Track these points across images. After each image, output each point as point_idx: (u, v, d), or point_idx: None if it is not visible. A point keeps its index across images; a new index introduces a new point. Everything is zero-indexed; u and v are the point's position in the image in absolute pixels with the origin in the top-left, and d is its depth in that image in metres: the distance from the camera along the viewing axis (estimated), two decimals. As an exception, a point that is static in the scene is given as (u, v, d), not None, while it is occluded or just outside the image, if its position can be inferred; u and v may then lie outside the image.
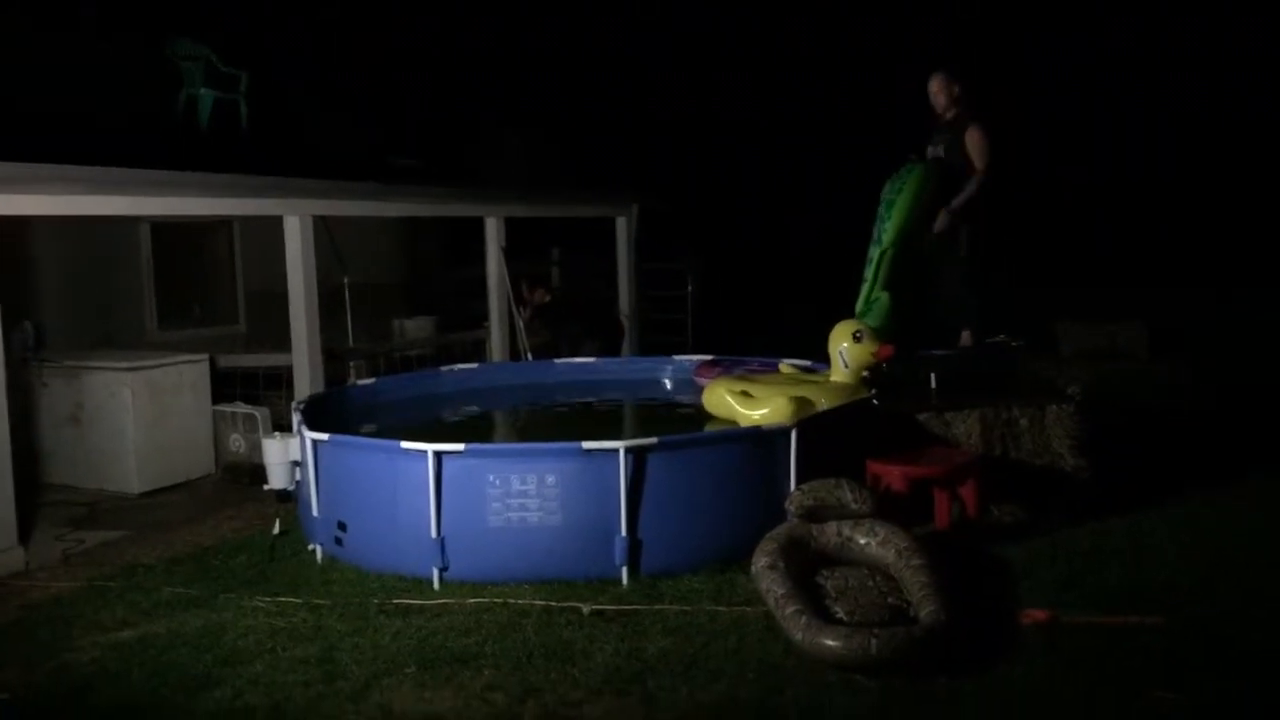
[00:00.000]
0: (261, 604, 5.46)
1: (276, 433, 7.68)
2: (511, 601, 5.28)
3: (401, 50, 14.08)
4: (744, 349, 8.94)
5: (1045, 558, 5.73)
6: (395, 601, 5.38)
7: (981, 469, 6.26)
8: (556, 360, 9.80)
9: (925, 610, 4.54)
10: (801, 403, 6.38)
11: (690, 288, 13.69)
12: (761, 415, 6.41)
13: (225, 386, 9.02)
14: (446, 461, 5.61)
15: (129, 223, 9.89)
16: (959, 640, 4.49)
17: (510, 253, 11.00)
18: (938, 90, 7.96)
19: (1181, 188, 18.45)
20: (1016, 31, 18.65)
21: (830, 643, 4.31)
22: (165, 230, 10.37)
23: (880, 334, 7.00)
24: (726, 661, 4.55)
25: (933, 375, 7.16)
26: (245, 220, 10.86)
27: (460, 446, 5.65)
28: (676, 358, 9.42)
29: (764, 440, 5.96)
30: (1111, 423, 7.40)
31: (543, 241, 13.42)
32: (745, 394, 6.70)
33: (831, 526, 5.27)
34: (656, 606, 5.17)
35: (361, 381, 8.79)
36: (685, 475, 5.72)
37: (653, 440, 5.63)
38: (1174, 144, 18.72)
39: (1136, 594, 5.17)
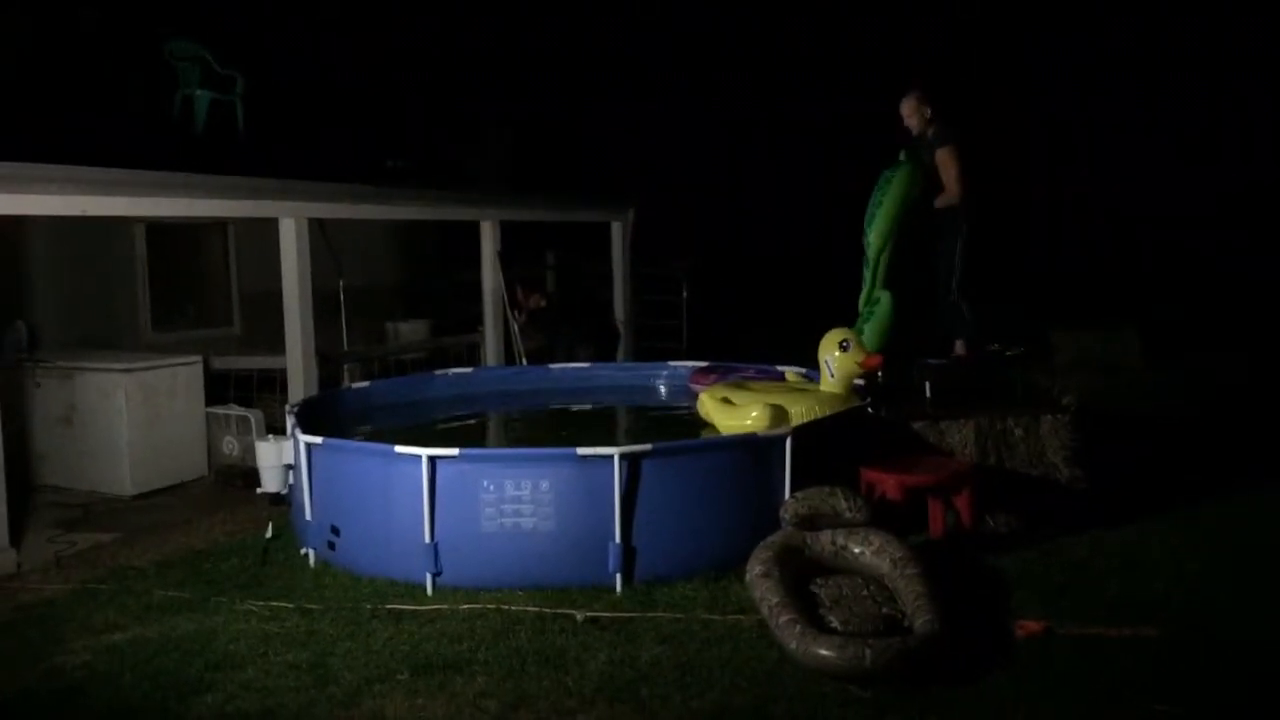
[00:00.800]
0: (254, 608, 5.44)
1: (270, 435, 7.67)
2: (505, 608, 5.27)
3: (397, 52, 14.06)
4: (740, 355, 8.94)
5: (1040, 568, 5.73)
6: (388, 607, 5.37)
7: (976, 478, 6.26)
8: (551, 365, 9.79)
9: (920, 620, 4.53)
10: (776, 412, 6.39)
11: (685, 293, 13.68)
12: (734, 425, 6.44)
13: (219, 389, 9.00)
14: (440, 466, 5.61)
15: (123, 223, 9.85)
16: (953, 651, 4.48)
17: (506, 257, 11.00)
18: (909, 114, 7.97)
19: (1179, 193, 18.42)
20: (1014, 32, 18.63)
21: (824, 652, 4.30)
22: (160, 231, 10.34)
23: (883, 334, 7.00)
24: (720, 670, 4.54)
25: (927, 384, 7.17)
26: (240, 222, 10.83)
27: (454, 451, 5.64)
28: (672, 363, 9.43)
29: (759, 448, 5.96)
30: (1106, 432, 7.39)
31: (538, 246, 13.41)
32: (726, 401, 6.71)
33: (826, 535, 5.26)
34: (650, 614, 5.16)
35: (356, 385, 8.78)
36: (680, 482, 5.72)
37: (647, 447, 5.63)
38: (1172, 147, 18.69)
39: (1131, 605, 5.17)
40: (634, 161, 16.11)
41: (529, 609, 5.24)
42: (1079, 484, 6.55)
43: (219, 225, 11.08)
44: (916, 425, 6.65)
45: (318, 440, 6.11)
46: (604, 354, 11.20)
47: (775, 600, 4.68)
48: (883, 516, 5.48)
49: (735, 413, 6.59)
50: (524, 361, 10.77)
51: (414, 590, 5.57)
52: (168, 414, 8.24)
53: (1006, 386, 7.47)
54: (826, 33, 18.95)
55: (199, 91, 9.82)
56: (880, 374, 7.13)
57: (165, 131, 9.61)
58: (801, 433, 5.99)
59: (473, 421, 8.56)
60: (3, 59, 8.84)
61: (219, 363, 9.26)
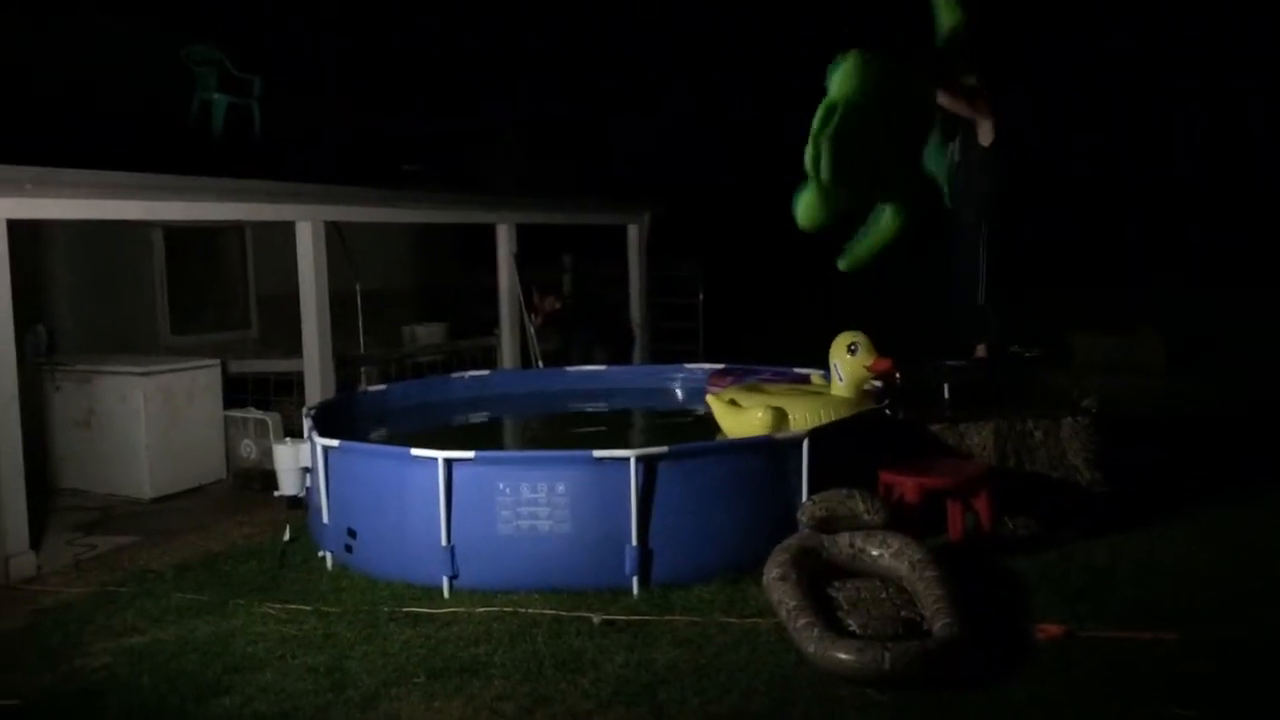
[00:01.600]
0: (271, 611, 5.45)
1: (287, 438, 7.68)
2: (521, 610, 5.26)
3: (412, 54, 14.11)
4: (756, 357, 8.91)
5: (1059, 571, 5.69)
6: (405, 610, 5.37)
7: (995, 481, 6.22)
8: (567, 368, 9.79)
9: (939, 623, 4.51)
10: (778, 415, 6.37)
11: (701, 295, 13.66)
12: (737, 428, 6.44)
13: (236, 392, 9.03)
14: (457, 469, 5.61)
15: (142, 227, 9.90)
16: (973, 654, 4.45)
17: (522, 259, 11.00)
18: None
19: (1200, 187, 18.23)
20: (1028, 26, 18.50)
21: (843, 656, 4.28)
22: (178, 235, 10.38)
23: (873, 251, 6.86)
24: (738, 673, 4.52)
25: (946, 386, 7.12)
26: (257, 225, 10.87)
27: (470, 454, 5.64)
28: (688, 366, 9.41)
29: (776, 450, 5.94)
30: (1127, 435, 7.35)
31: (554, 248, 13.42)
32: (733, 404, 6.70)
33: (844, 537, 5.24)
34: (667, 617, 5.15)
35: (372, 388, 8.80)
36: (696, 484, 5.70)
37: (663, 449, 5.62)
38: (1194, 142, 18.53)
39: (1152, 608, 5.13)
40: (650, 163, 16.08)
41: (545, 612, 5.23)
42: (1099, 487, 6.50)
43: (236, 229, 11.13)
44: (935, 427, 6.62)
45: (334, 443, 6.12)
46: (619, 356, 11.20)
47: (793, 603, 4.66)
48: (901, 519, 5.46)
49: (739, 415, 6.57)
50: (540, 364, 10.77)
51: (431, 593, 5.57)
52: (186, 417, 8.27)
53: (1026, 388, 7.43)
54: (836, 34, 18.88)
55: (216, 95, 9.88)
56: (898, 376, 7.08)
57: (183, 135, 9.67)
58: (818, 435, 5.96)
59: (489, 424, 8.57)
60: (20, 63, 8.88)
61: (236, 366, 9.29)
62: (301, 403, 8.43)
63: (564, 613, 5.21)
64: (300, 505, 7.20)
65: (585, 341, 10.94)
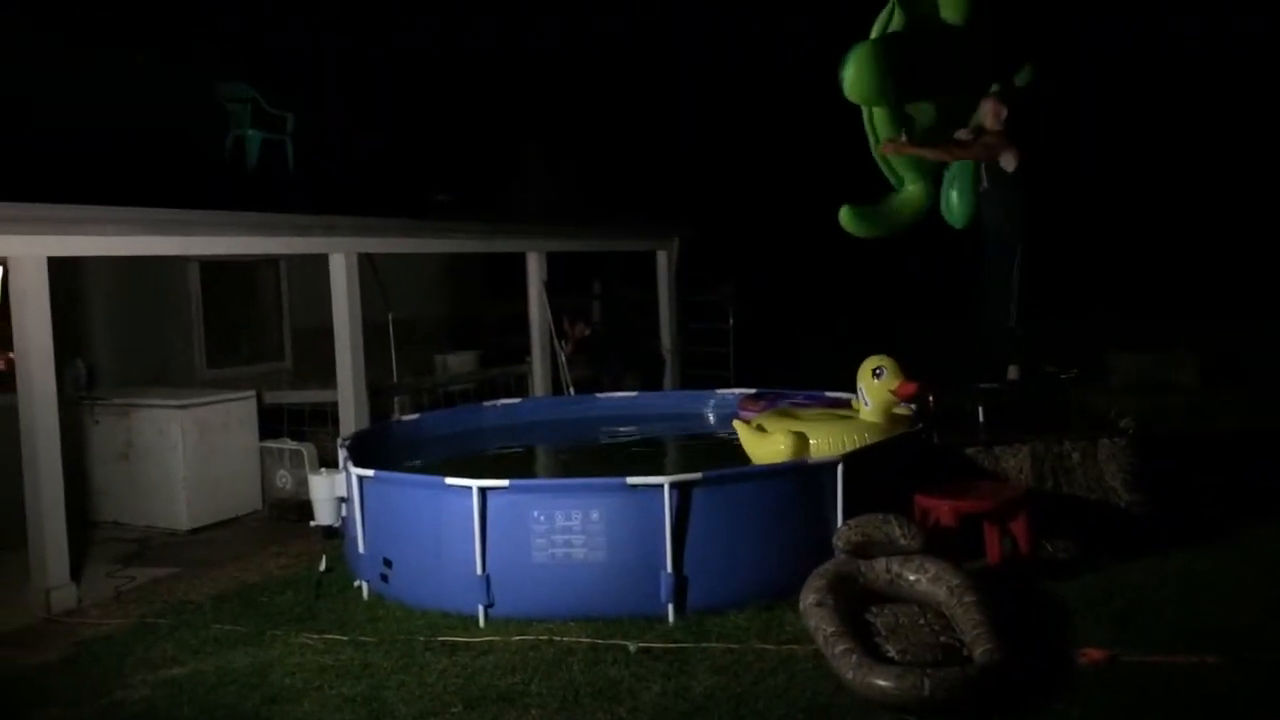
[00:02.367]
0: (308, 641, 5.47)
1: (323, 469, 7.72)
2: (557, 639, 5.25)
3: (441, 86, 14.26)
4: (789, 381, 8.89)
5: (1100, 594, 5.61)
6: (441, 639, 5.37)
7: (1033, 504, 6.15)
8: (599, 395, 9.80)
9: (980, 649, 4.46)
10: (800, 440, 6.34)
11: (732, 320, 13.65)
12: (762, 453, 6.44)
13: (272, 423, 9.10)
14: (491, 497, 5.62)
15: (178, 262, 10.03)
16: (1014, 680, 4.40)
17: (551, 287, 11.04)
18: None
19: (1237, 216, 18.05)
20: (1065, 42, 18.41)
21: (882, 682, 4.24)
22: (214, 269, 10.51)
23: (892, 219, 6.93)
24: (775, 701, 4.49)
25: (980, 409, 7.07)
26: (291, 258, 10.98)
27: (505, 482, 5.65)
28: (719, 391, 9.39)
29: (810, 475, 5.91)
30: (1165, 456, 7.25)
31: (584, 275, 13.45)
32: (760, 429, 6.67)
33: (880, 563, 5.20)
34: (703, 644, 5.12)
35: (406, 417, 8.84)
36: (731, 511, 5.68)
37: (697, 476, 5.61)
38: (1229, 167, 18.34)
39: (1194, 633, 5.05)
40: (679, 187, 16.13)
41: (581, 640, 5.22)
42: (1138, 508, 6.42)
43: (271, 262, 11.25)
44: (970, 451, 6.56)
45: (369, 473, 6.15)
46: (651, 382, 11.19)
47: (830, 629, 4.63)
48: (938, 543, 5.41)
49: (763, 441, 6.55)
50: (572, 391, 10.79)
51: (466, 622, 5.58)
52: (222, 449, 8.35)
53: (1062, 409, 7.36)
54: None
55: (250, 131, 10.02)
56: (931, 400, 7.03)
57: (218, 171, 9.80)
58: (853, 460, 5.93)
59: (522, 452, 8.58)
60: (59, 101, 9.04)
61: (271, 397, 9.37)
62: (336, 433, 8.48)
63: (600, 641, 5.19)
64: (336, 535, 7.24)
65: (616, 368, 10.95)
